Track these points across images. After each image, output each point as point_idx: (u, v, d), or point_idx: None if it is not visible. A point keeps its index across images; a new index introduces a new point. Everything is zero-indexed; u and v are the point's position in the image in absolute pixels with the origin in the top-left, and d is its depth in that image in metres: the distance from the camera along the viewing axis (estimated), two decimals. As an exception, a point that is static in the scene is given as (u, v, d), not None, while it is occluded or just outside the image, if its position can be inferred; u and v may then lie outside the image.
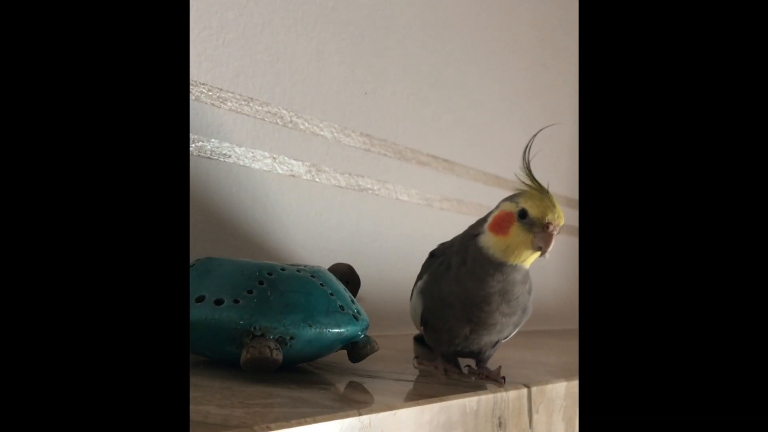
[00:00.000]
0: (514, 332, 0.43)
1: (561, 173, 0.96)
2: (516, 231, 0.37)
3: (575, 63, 0.98)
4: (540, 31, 0.92)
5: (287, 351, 0.35)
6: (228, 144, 0.52)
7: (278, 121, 0.55)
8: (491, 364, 0.44)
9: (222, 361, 0.37)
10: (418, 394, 0.35)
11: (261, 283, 0.36)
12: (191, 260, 0.44)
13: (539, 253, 0.37)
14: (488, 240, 0.38)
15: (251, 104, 0.53)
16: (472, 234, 0.40)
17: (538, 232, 0.37)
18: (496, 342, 0.43)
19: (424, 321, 0.43)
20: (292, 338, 0.35)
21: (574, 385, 0.46)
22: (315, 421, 0.27)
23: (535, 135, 0.38)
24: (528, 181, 0.37)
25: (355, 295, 0.47)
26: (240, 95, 0.53)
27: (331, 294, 0.38)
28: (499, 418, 0.39)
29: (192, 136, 0.49)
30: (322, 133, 0.59)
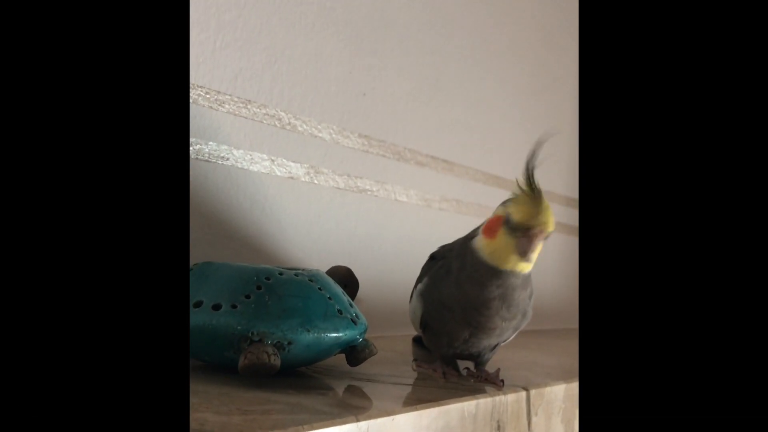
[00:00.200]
0: (514, 335, 0.43)
1: (561, 173, 0.96)
2: (502, 235, 0.37)
3: (576, 62, 0.98)
4: (540, 30, 0.92)
5: (285, 356, 0.35)
6: (226, 146, 0.52)
7: (276, 123, 0.55)
8: (490, 367, 0.44)
9: (220, 365, 0.37)
10: (417, 399, 0.35)
11: (259, 287, 0.36)
12: (189, 264, 0.44)
13: (524, 258, 0.37)
14: (480, 243, 0.39)
15: (249, 106, 0.53)
16: (469, 237, 0.40)
17: (520, 237, 0.36)
18: (495, 345, 0.43)
19: (424, 324, 0.43)
20: (290, 343, 0.35)
21: (573, 387, 0.46)
22: (313, 428, 0.27)
23: (541, 143, 0.38)
24: (523, 185, 0.37)
25: (353, 298, 0.47)
26: (238, 97, 0.53)
27: (329, 298, 0.38)
28: (498, 421, 0.39)
29: (190, 139, 0.49)
30: (320, 134, 0.59)
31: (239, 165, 0.53)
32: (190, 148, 0.49)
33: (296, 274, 0.38)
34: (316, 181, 0.59)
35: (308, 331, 0.35)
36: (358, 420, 0.29)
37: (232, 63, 0.52)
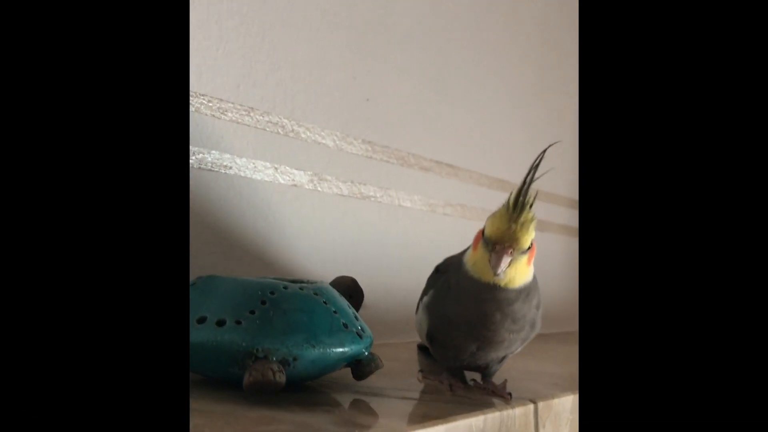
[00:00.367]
0: (522, 347, 0.42)
1: (564, 174, 0.95)
2: (480, 248, 0.37)
3: (579, 63, 0.97)
4: (544, 33, 0.91)
5: (290, 372, 0.35)
6: (229, 155, 0.51)
7: (280, 130, 0.55)
8: (496, 378, 0.43)
9: (224, 381, 0.37)
10: (423, 415, 0.35)
11: (263, 302, 0.35)
12: (193, 276, 0.44)
13: (494, 273, 0.36)
14: (468, 256, 0.39)
15: (252, 114, 0.53)
16: (466, 249, 0.40)
17: (491, 251, 0.36)
18: (504, 357, 0.42)
19: (430, 336, 0.42)
20: (295, 359, 0.34)
21: (581, 397, 0.46)
22: (319, 451, 0.27)
23: (543, 152, 0.37)
24: (510, 198, 0.36)
25: (358, 309, 0.46)
26: (241, 105, 0.52)
27: (335, 312, 0.37)
28: (506, 436, 0.38)
29: (192, 149, 0.49)
30: (324, 141, 0.59)
31: (242, 173, 0.52)
32: (193, 158, 0.49)
33: (301, 288, 0.37)
34: (319, 189, 0.58)
35: (313, 346, 0.35)
36: (365, 440, 0.29)
37: (235, 70, 0.52)
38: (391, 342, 0.63)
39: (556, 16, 0.94)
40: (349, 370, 0.40)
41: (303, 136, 0.57)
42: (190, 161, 0.48)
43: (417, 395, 0.40)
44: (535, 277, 0.40)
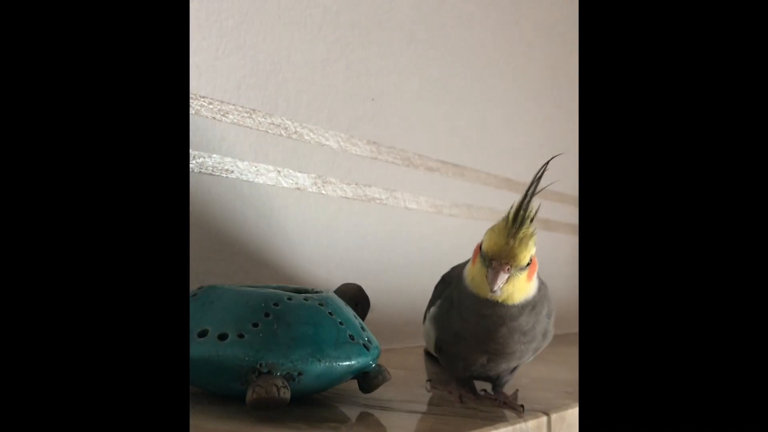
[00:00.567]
0: (534, 355, 0.41)
1: (573, 173, 0.94)
2: (478, 263, 0.36)
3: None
4: (551, 31, 0.90)
5: (295, 386, 0.33)
6: (230, 159, 0.50)
7: (282, 132, 0.54)
8: (507, 389, 0.42)
9: (227, 395, 0.36)
10: (432, 430, 0.33)
11: (267, 315, 0.34)
12: (193, 285, 0.42)
13: (491, 289, 0.35)
14: (467, 269, 0.37)
15: (254, 116, 0.51)
16: (466, 262, 0.39)
17: (488, 267, 0.35)
18: (515, 367, 0.41)
19: (438, 348, 0.41)
20: (300, 374, 0.33)
21: (594, 407, 0.45)
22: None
23: (545, 165, 0.36)
24: (510, 212, 0.35)
25: (365, 316, 0.45)
26: (242, 107, 0.51)
27: (341, 323, 0.36)
28: (519, 451, 0.37)
29: (192, 152, 0.47)
30: (328, 143, 0.57)
31: (244, 177, 0.51)
32: (193, 162, 0.47)
33: (305, 299, 0.36)
34: (323, 192, 0.57)
35: (319, 360, 0.33)
36: (373, 462, 0.28)
37: (236, 71, 0.50)
38: (397, 347, 0.62)
39: (563, 13, 0.92)
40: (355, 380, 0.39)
41: (306, 137, 0.56)
42: (190, 165, 0.47)
43: (426, 408, 0.39)
44: (542, 285, 0.38)
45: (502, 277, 0.34)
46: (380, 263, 0.63)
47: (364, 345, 0.36)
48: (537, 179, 0.35)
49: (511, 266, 0.34)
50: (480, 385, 0.43)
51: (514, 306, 0.36)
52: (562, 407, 0.41)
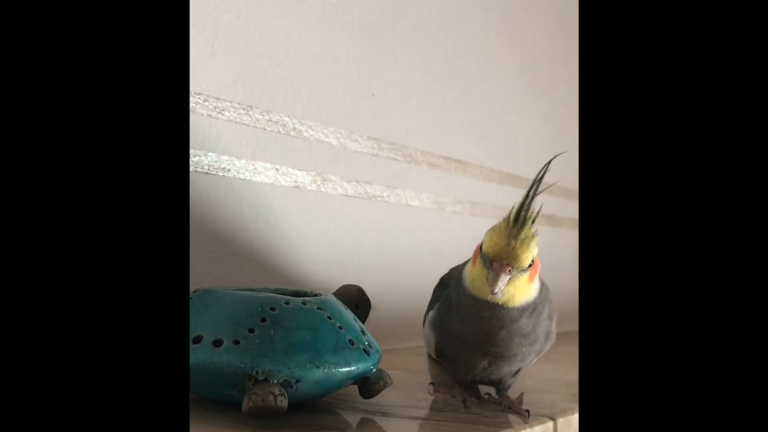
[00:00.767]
0: (537, 358, 0.40)
1: (574, 168, 0.93)
2: (478, 264, 0.35)
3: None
4: (554, 25, 0.88)
5: (293, 394, 0.32)
6: (227, 157, 0.49)
7: (281, 129, 0.52)
8: (512, 392, 0.41)
9: (222, 402, 0.35)
10: (436, 439, 0.32)
11: (263, 320, 0.33)
12: (190, 288, 0.41)
13: (491, 291, 0.34)
14: (467, 270, 0.36)
15: (251, 113, 0.50)
16: (467, 261, 0.38)
17: (489, 268, 0.34)
18: (518, 370, 0.40)
19: (439, 352, 0.40)
20: (298, 381, 0.32)
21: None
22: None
23: (547, 165, 0.35)
24: (511, 213, 0.34)
25: (365, 319, 0.44)
26: (239, 104, 0.49)
27: (340, 327, 0.35)
28: (524, 458, 0.36)
29: (189, 151, 0.46)
30: (327, 139, 0.56)
31: (241, 176, 0.50)
32: (190, 161, 0.46)
33: (304, 302, 0.35)
34: (323, 189, 0.56)
35: (318, 367, 0.32)
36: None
37: (232, 67, 0.49)
38: (399, 347, 0.61)
39: (567, 8, 0.91)
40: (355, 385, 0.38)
41: (305, 134, 0.54)
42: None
43: (428, 413, 0.38)
44: (544, 287, 0.37)
45: (503, 278, 0.33)
46: (382, 262, 0.62)
47: (365, 350, 0.35)
48: (538, 180, 0.34)
49: (512, 268, 0.33)
50: (483, 389, 0.42)
51: (514, 308, 0.35)
52: (568, 411, 0.40)
